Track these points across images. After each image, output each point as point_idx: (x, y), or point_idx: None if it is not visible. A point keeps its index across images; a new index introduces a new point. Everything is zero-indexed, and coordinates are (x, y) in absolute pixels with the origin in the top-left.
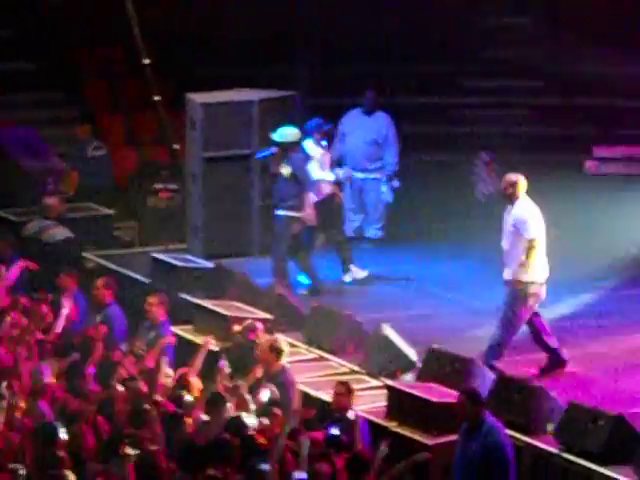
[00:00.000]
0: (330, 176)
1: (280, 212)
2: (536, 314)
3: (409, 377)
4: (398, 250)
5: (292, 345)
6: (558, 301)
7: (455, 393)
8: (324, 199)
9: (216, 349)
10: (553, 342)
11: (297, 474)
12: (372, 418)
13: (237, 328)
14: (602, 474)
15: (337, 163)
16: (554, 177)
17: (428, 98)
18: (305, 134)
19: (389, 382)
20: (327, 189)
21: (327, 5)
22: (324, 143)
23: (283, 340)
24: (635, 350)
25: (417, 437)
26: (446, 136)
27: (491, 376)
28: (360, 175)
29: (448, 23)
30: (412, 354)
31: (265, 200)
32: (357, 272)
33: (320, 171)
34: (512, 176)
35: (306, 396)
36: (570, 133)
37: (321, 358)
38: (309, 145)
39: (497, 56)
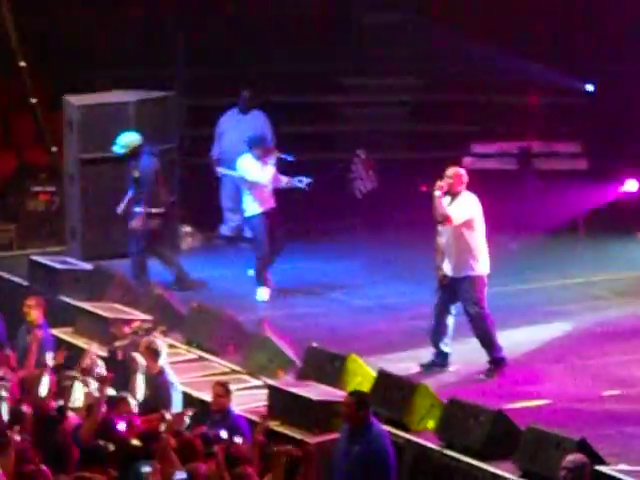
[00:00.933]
0: (264, 178)
1: (137, 209)
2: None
3: (289, 376)
4: None
5: (172, 346)
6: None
7: (335, 391)
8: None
9: (101, 353)
10: (446, 346)
11: (178, 474)
12: (253, 417)
13: (128, 330)
14: (483, 470)
15: (216, 163)
16: (434, 174)
17: (305, 97)
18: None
19: (270, 381)
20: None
21: (201, 7)
22: (270, 162)
23: (160, 341)
24: (515, 345)
25: (298, 435)
26: (323, 135)
27: (371, 373)
28: (237, 174)
29: (324, 20)
30: (292, 353)
31: None
32: None
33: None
34: (453, 169)
35: (187, 396)
36: (448, 130)
37: (201, 358)
38: (246, 160)
39: (374, 54)
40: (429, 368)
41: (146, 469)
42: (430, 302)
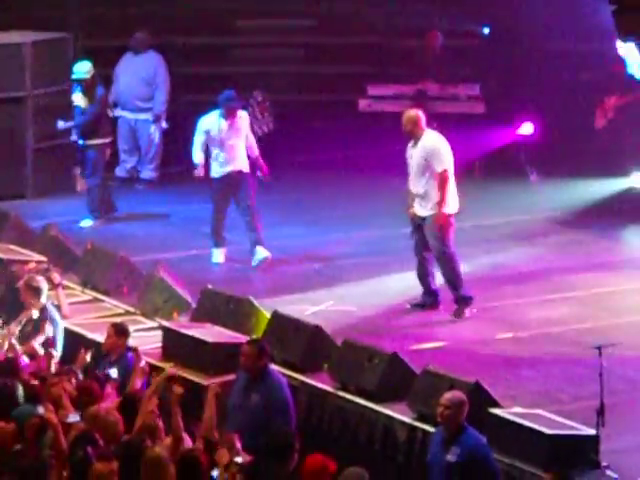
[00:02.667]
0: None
1: (90, 142)
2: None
3: (184, 317)
4: (171, 191)
5: (66, 287)
6: (333, 239)
7: (230, 333)
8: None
9: None
10: (434, 284)
11: (71, 416)
12: (148, 359)
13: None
14: (377, 412)
15: (114, 105)
16: (329, 116)
17: (202, 38)
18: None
19: (164, 323)
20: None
21: None
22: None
23: (41, 279)
24: (409, 288)
25: (193, 377)
26: (220, 76)
27: (265, 315)
28: (131, 115)
29: None
30: (187, 294)
31: (40, 142)
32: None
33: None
34: (411, 112)
35: (82, 338)
36: (344, 71)
37: (96, 299)
38: (212, 117)
39: None
40: (419, 308)
41: (37, 409)
42: (324, 244)
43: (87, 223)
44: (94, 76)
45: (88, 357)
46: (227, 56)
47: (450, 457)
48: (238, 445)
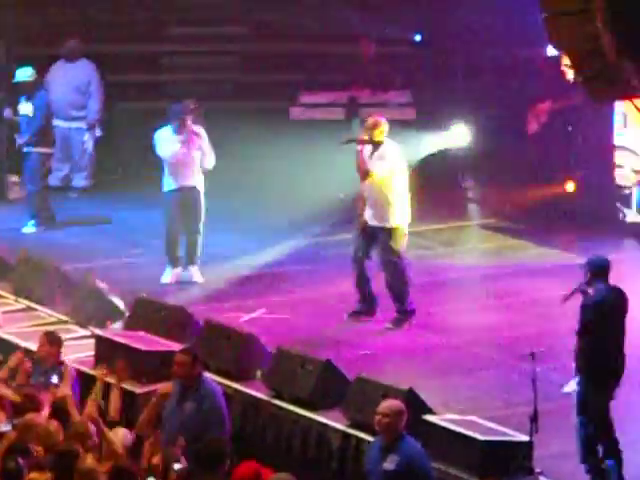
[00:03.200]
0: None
1: (36, 149)
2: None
3: (118, 326)
4: (104, 198)
5: (0, 296)
6: (265, 247)
7: (164, 341)
8: None
9: None
10: (372, 291)
11: (2, 425)
12: (81, 367)
13: None
14: (312, 419)
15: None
16: (262, 124)
17: (134, 46)
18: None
19: (97, 331)
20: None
21: None
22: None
23: None
24: (341, 296)
25: (126, 385)
26: (153, 84)
27: (198, 323)
28: (64, 124)
29: None
30: (120, 303)
31: None
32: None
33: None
34: (370, 120)
35: (15, 347)
36: (277, 79)
37: (29, 308)
38: (165, 132)
39: (201, 3)
40: (357, 316)
41: None
42: (257, 252)
43: (29, 229)
44: (37, 81)
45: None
46: (160, 64)
47: (388, 465)
48: (178, 452)
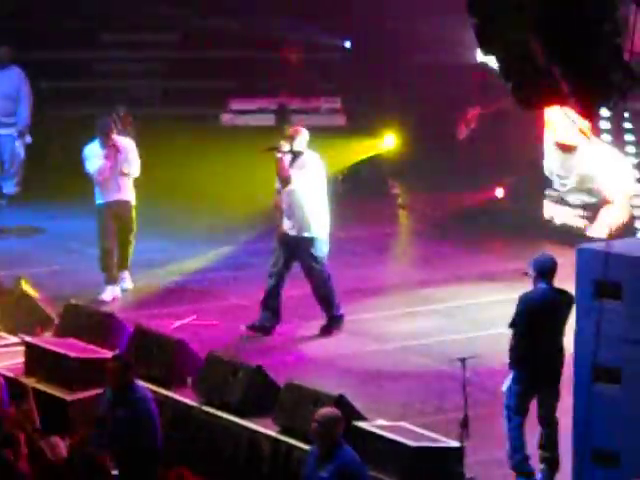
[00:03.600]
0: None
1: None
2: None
3: (48, 333)
4: (34, 206)
5: None
6: (196, 253)
7: (94, 348)
8: None
9: None
10: (280, 304)
11: None
12: (10, 375)
13: None
14: (242, 426)
15: None
16: (193, 130)
17: (65, 53)
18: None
19: (27, 338)
20: None
21: None
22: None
23: None
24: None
25: (56, 393)
26: (85, 90)
27: (129, 330)
28: None
29: None
30: (50, 310)
31: None
32: None
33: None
34: (291, 129)
35: None
36: (207, 86)
37: None
38: (92, 147)
39: (132, 10)
40: (259, 330)
41: None
42: (185, 258)
43: None
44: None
45: None
46: (91, 70)
47: (322, 474)
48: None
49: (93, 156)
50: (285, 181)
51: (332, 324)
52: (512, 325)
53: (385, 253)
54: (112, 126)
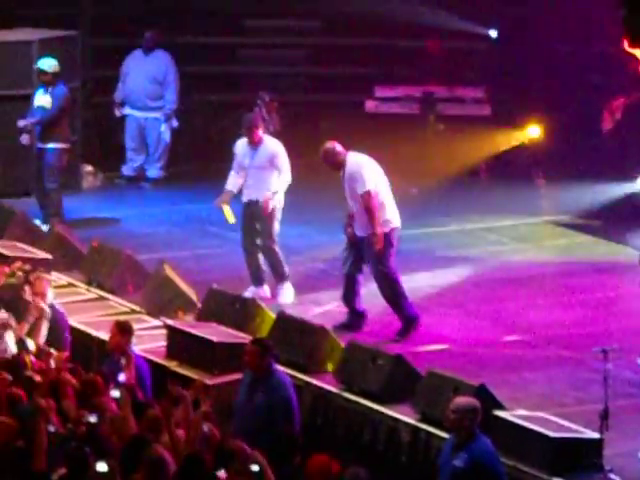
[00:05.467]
0: None
1: (48, 145)
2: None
3: (189, 317)
4: (178, 190)
5: (72, 285)
6: (337, 239)
7: (235, 333)
8: None
9: None
10: (359, 304)
11: (90, 416)
12: (152, 358)
13: (7, 270)
14: (382, 413)
15: (121, 104)
16: (336, 117)
17: (211, 38)
18: None
19: (169, 322)
20: None
21: None
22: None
23: (49, 278)
24: (415, 290)
25: (197, 376)
26: (230, 76)
27: (270, 316)
28: (140, 114)
29: None
30: (192, 294)
31: None
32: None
33: None
34: (325, 147)
35: (86, 336)
36: (351, 73)
37: (101, 298)
38: (242, 141)
39: None
40: (344, 329)
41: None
42: (328, 245)
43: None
44: (57, 74)
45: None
46: (235, 56)
47: (457, 462)
48: (249, 451)
49: (237, 153)
50: (367, 203)
51: (407, 326)
52: None
53: (527, 243)
54: (257, 122)
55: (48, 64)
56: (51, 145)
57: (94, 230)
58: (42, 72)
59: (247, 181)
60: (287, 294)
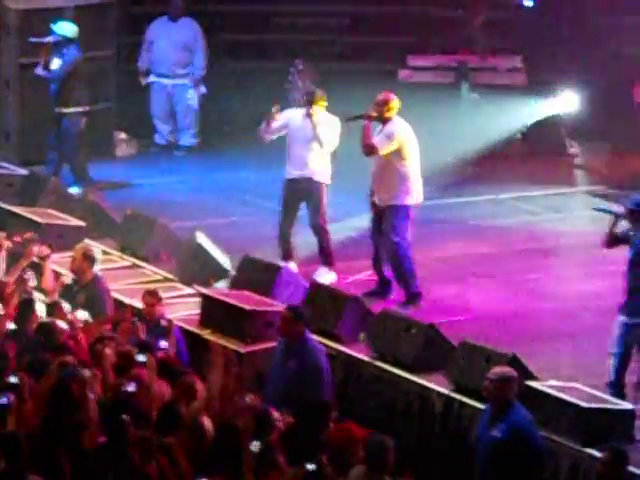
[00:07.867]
0: None
1: (66, 110)
2: None
3: (222, 285)
4: (211, 158)
5: (105, 252)
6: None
7: (269, 301)
8: None
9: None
10: (387, 271)
11: (129, 385)
12: (185, 326)
13: (18, 239)
14: (414, 382)
15: (146, 72)
16: (369, 85)
17: (243, 5)
18: None
19: (202, 290)
20: None
21: None
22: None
23: (96, 247)
24: (448, 259)
25: (230, 344)
26: (263, 43)
27: (304, 284)
28: (168, 81)
29: None
30: (225, 262)
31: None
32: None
33: None
34: (380, 96)
35: (120, 304)
36: (385, 41)
37: (135, 266)
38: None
39: None
40: (371, 296)
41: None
42: (363, 213)
43: (74, 190)
44: (69, 39)
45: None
46: (269, 24)
47: (494, 433)
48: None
49: (291, 119)
50: (368, 148)
51: (409, 300)
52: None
53: (561, 213)
54: (316, 96)
55: (60, 27)
56: (65, 110)
57: (126, 197)
58: (59, 33)
59: (294, 155)
60: (326, 277)
